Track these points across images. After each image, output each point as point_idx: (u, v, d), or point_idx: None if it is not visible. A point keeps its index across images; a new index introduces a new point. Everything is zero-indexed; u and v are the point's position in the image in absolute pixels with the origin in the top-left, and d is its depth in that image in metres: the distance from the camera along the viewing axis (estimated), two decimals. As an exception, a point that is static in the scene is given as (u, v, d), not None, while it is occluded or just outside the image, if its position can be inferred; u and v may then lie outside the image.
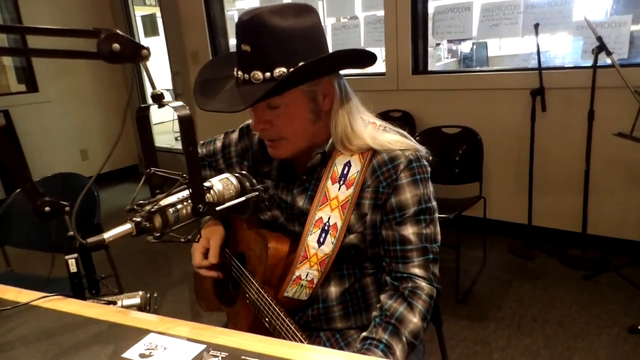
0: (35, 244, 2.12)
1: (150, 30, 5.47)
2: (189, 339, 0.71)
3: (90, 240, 0.79)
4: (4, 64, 4.91)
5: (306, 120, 1.04)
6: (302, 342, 0.96)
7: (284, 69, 0.95)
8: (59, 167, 2.42)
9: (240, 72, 0.99)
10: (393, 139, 1.06)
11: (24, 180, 0.93)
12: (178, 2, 4.57)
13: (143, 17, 5.64)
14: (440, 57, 5.28)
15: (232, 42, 4.60)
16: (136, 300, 0.99)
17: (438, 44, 5.03)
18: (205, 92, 1.07)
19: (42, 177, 2.21)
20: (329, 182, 1.07)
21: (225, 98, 1.01)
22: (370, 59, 1.03)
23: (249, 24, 0.95)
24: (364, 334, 1.01)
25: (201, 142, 1.38)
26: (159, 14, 5.07)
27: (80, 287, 0.98)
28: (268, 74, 0.95)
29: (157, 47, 5.99)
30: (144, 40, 5.70)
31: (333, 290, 1.13)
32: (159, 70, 5.25)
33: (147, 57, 0.81)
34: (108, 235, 0.79)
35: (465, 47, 5.50)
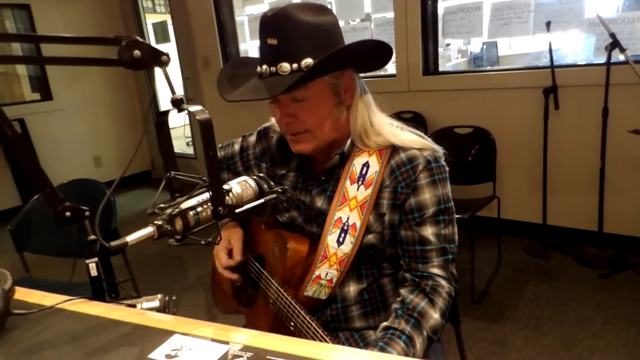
0: (53, 250, 2.15)
1: (162, 37, 5.53)
2: (213, 340, 0.72)
3: (114, 243, 0.80)
4: (18, 73, 4.98)
5: (330, 113, 1.06)
6: (323, 339, 0.97)
7: (310, 60, 0.97)
8: (73, 174, 2.45)
9: (265, 66, 1.01)
10: (412, 139, 1.08)
11: (44, 186, 0.95)
12: (188, 8, 4.61)
13: (154, 25, 5.70)
14: (450, 58, 5.26)
15: (243, 47, 4.62)
16: (155, 304, 1.00)
17: (448, 45, 5.02)
18: (230, 85, 1.10)
19: (58, 184, 2.23)
20: (348, 182, 1.08)
21: (251, 89, 1.03)
22: (389, 52, 1.05)
23: (275, 18, 0.98)
24: (385, 323, 1.02)
25: (219, 145, 1.40)
26: (169, 21, 5.11)
27: (100, 291, 0.99)
28: (295, 65, 0.98)
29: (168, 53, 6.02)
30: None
31: (351, 289, 1.14)
32: (170, 76, 5.30)
33: (167, 63, 0.83)
34: (131, 238, 0.80)
35: (475, 47, 5.47)
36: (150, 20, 5.75)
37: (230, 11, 4.53)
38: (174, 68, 5.07)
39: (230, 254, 1.26)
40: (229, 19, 4.54)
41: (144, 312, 0.85)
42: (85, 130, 5.20)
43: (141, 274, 3.15)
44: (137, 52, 0.79)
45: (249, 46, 4.58)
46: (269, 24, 0.99)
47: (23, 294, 0.92)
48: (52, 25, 4.71)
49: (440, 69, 3.51)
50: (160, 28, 5.61)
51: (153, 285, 3.10)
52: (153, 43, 5.73)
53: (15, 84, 5.01)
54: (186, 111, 0.83)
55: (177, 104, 0.84)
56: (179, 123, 7.43)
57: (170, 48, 5.31)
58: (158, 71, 0.86)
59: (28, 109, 4.77)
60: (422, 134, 1.13)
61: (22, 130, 4.59)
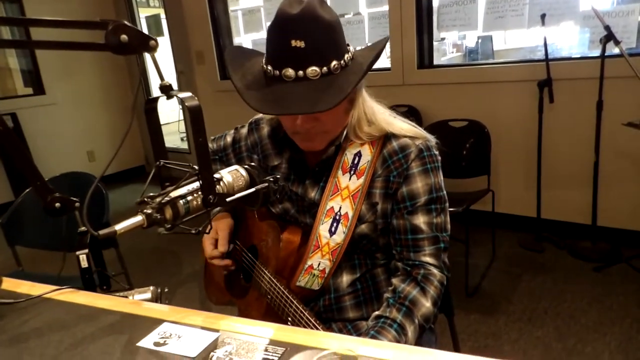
0: (45, 244, 2.13)
1: (155, 30, 5.49)
2: (202, 328, 0.71)
3: (102, 232, 0.79)
4: (10, 68, 4.94)
5: (345, 111, 1.06)
6: (316, 327, 0.97)
7: (336, 62, 0.95)
8: (66, 168, 2.43)
9: (287, 69, 0.94)
10: (405, 127, 1.08)
11: (35, 179, 0.94)
12: (182, 2, 4.58)
13: (147, 18, 5.65)
14: (445, 52, 5.25)
15: (237, 40, 4.59)
16: (147, 295, 0.99)
17: (443, 39, 5.00)
18: (249, 89, 1.00)
19: (50, 177, 2.22)
20: (340, 172, 1.08)
21: (283, 98, 0.95)
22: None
23: (301, 18, 0.92)
24: (377, 312, 1.02)
25: (212, 137, 1.39)
26: (163, 15, 5.07)
27: (91, 283, 0.98)
28: (325, 69, 0.95)
29: (161, 47, 5.98)
30: (148, 41, 5.76)
31: (344, 279, 1.13)
32: (164, 70, 5.27)
33: (155, 48, 0.81)
34: (119, 227, 0.79)
35: (470, 41, 5.47)
36: (143, 14, 5.70)
37: (224, 5, 4.49)
38: (168, 62, 5.04)
39: (216, 244, 1.25)
40: (223, 13, 4.51)
41: (132, 301, 0.84)
42: (79, 124, 5.15)
43: (135, 268, 3.13)
44: (124, 37, 0.77)
45: (243, 40, 4.55)
46: (294, 25, 0.92)
47: (11, 284, 0.91)
48: (42, 16, 4.66)
49: (435, 62, 3.50)
50: (154, 22, 5.56)
51: (147, 279, 3.09)
52: (147, 37, 5.69)
53: (7, 78, 4.97)
54: (177, 99, 0.82)
55: (166, 90, 0.82)
56: (173, 118, 7.41)
57: (163, 42, 5.28)
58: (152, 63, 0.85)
59: (20, 103, 4.72)
60: (414, 123, 1.12)
61: (15, 125, 4.55)
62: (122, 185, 5.24)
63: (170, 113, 7.72)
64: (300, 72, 0.94)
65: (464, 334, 2.20)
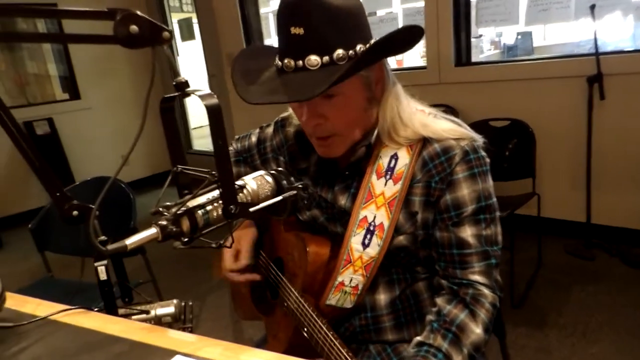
0: (73, 250, 2.09)
1: (187, 34, 5.50)
2: (219, 363, 0.61)
3: (111, 247, 0.71)
4: (50, 74, 5.03)
5: (361, 110, 0.94)
6: (346, 359, 0.85)
7: (341, 51, 0.85)
8: (100, 172, 2.42)
9: (289, 60, 0.86)
10: (446, 127, 0.94)
11: (53, 188, 0.88)
12: (213, 5, 4.55)
13: (179, 21, 5.68)
14: (482, 49, 5.04)
15: (267, 42, 4.54)
16: (170, 309, 0.91)
17: (480, 36, 4.81)
18: (248, 83, 0.95)
19: (81, 181, 2.20)
20: (374, 176, 0.96)
21: (278, 88, 0.88)
22: (422, 34, 0.90)
23: (300, 3, 0.84)
24: (419, 338, 0.89)
25: (236, 136, 1.31)
26: (194, 19, 5.07)
27: (110, 296, 0.90)
28: (326, 58, 0.84)
29: (194, 51, 6.00)
30: (181, 45, 5.72)
31: (382, 297, 1.01)
32: (196, 73, 5.28)
33: (168, 40, 0.72)
34: (130, 241, 0.71)
35: (508, 38, 5.25)
36: (175, 18, 5.73)
37: (256, 7, 4.45)
38: (200, 65, 5.03)
39: (238, 256, 1.15)
40: (254, 15, 4.47)
41: (145, 326, 0.75)
42: (112, 128, 5.19)
43: (164, 274, 3.08)
44: (134, 28, 0.68)
45: (274, 42, 4.49)
46: (293, 10, 0.85)
47: (16, 301, 0.83)
48: (77, 21, 4.73)
49: (473, 60, 3.33)
50: (186, 25, 5.58)
51: (177, 285, 3.04)
52: (179, 40, 5.70)
53: (47, 84, 5.06)
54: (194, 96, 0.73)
55: (182, 87, 0.74)
56: (206, 122, 7.45)
57: (195, 45, 5.28)
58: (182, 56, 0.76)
59: (57, 108, 4.81)
60: (459, 121, 0.99)
61: (51, 129, 4.64)
62: (153, 189, 5.24)
63: (204, 116, 7.76)
64: (300, 62, 0.85)
65: (511, 349, 2.03)
